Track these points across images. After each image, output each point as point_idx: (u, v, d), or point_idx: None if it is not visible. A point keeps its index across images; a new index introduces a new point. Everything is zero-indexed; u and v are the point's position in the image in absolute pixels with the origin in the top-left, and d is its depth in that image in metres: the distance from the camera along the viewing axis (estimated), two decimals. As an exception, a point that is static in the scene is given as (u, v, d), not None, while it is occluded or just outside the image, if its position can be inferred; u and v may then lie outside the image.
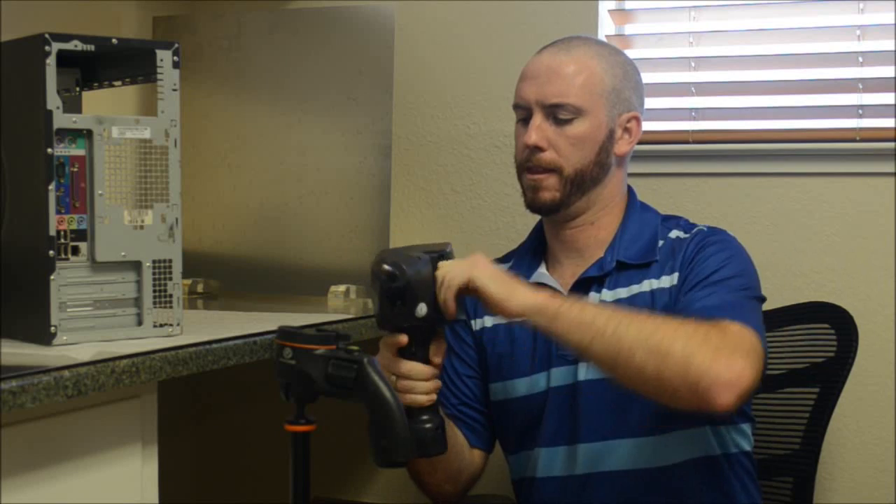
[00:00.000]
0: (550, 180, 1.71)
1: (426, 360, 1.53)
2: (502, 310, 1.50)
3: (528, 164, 1.73)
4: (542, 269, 1.78)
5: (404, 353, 1.53)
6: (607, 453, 1.68)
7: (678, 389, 1.43)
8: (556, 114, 1.70)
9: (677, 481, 1.67)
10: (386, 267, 1.45)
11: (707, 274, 1.64)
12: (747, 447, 1.73)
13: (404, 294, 1.46)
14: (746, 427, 1.73)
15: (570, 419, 1.70)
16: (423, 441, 1.51)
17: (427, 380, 1.53)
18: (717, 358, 1.43)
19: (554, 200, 1.71)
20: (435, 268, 1.50)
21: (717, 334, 1.47)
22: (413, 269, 1.47)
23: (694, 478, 1.68)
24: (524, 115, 1.74)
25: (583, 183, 1.72)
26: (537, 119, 1.71)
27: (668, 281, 1.68)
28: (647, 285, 1.69)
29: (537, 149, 1.70)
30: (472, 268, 1.51)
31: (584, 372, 1.68)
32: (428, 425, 1.52)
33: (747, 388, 1.44)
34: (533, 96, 1.72)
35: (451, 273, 1.50)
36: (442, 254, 1.53)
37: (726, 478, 1.70)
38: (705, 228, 1.73)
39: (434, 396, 1.54)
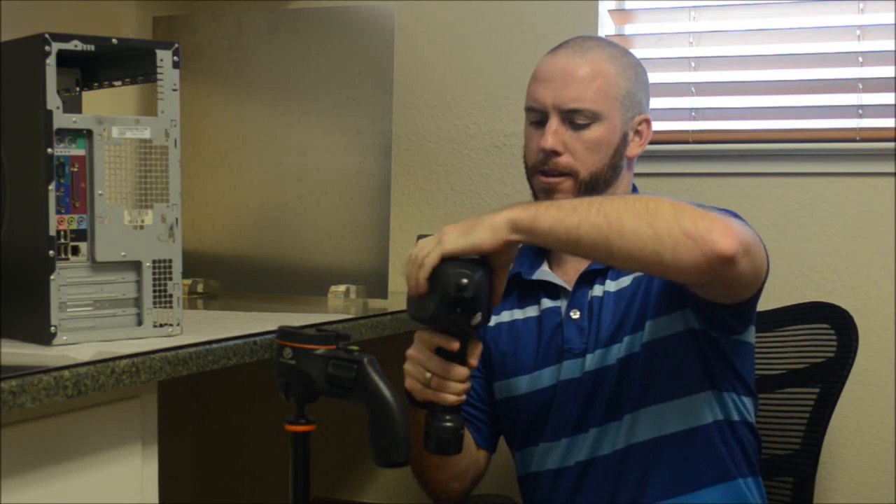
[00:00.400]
0: (566, 184, 1.71)
1: (463, 362, 1.52)
2: (482, 252, 1.45)
3: (542, 167, 1.72)
4: (545, 268, 1.78)
5: (441, 351, 1.51)
6: (610, 433, 1.68)
7: (677, 240, 1.39)
8: (573, 119, 1.70)
9: (678, 450, 1.65)
10: (464, 281, 1.42)
11: None
12: (749, 419, 1.71)
13: (469, 303, 1.44)
14: (748, 401, 1.71)
15: (576, 411, 1.70)
16: (444, 440, 1.50)
17: (462, 381, 1.52)
18: (706, 212, 1.42)
19: None
20: (491, 278, 1.47)
21: (699, 206, 1.45)
22: (481, 280, 1.44)
23: (694, 447, 1.66)
24: (538, 118, 1.74)
25: (596, 186, 1.72)
26: (553, 123, 1.71)
27: None
28: None
29: (554, 153, 1.70)
30: (440, 244, 1.45)
31: (590, 361, 1.69)
32: (450, 424, 1.50)
33: (745, 243, 1.40)
34: (549, 100, 1.71)
35: (423, 252, 1.46)
36: (488, 261, 1.48)
37: (728, 445, 1.67)
38: None
39: (463, 397, 1.53)
